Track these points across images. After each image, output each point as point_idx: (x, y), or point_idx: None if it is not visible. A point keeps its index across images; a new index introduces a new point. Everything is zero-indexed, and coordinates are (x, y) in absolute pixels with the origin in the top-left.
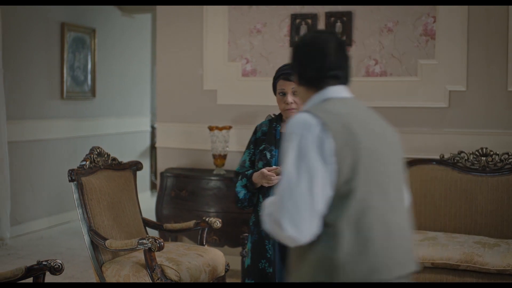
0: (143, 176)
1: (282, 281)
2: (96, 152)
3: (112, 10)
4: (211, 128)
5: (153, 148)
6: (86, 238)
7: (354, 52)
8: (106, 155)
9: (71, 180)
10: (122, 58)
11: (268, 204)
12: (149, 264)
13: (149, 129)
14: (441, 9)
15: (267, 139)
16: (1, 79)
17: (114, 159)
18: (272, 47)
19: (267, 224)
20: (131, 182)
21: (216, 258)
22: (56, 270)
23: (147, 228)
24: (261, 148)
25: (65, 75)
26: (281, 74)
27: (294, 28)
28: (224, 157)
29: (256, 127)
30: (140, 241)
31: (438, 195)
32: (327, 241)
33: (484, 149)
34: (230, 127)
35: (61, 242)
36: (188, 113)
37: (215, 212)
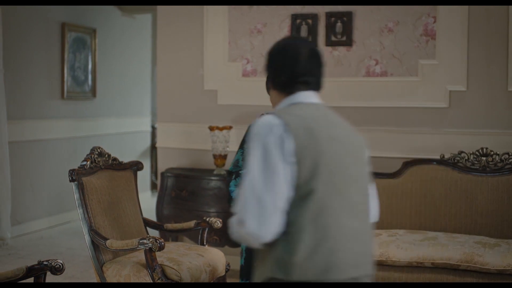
0: (144, 176)
1: None
2: (96, 152)
3: (112, 10)
4: (211, 128)
5: (153, 148)
6: (87, 238)
7: (354, 52)
8: (106, 155)
9: (72, 180)
10: (123, 58)
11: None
12: (150, 264)
13: (149, 129)
14: (441, 9)
15: None
16: (1, 79)
17: (114, 159)
18: None
19: (232, 229)
20: (131, 182)
21: (217, 258)
22: (57, 270)
23: (148, 228)
24: None
25: (65, 75)
26: None
27: (294, 28)
28: (224, 157)
29: (249, 126)
30: (141, 241)
31: (439, 195)
32: (286, 240)
33: (484, 149)
34: (230, 127)
35: (61, 242)
36: (189, 113)
37: (216, 212)
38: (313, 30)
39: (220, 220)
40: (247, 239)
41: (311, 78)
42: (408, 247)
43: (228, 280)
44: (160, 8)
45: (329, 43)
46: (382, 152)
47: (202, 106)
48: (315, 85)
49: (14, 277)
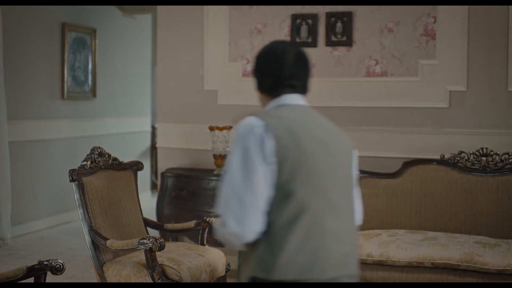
0: (144, 176)
1: None
2: (97, 152)
3: (112, 11)
4: (211, 128)
5: (153, 148)
6: (87, 238)
7: (354, 52)
8: (107, 155)
9: (72, 180)
10: (123, 58)
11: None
12: (150, 264)
13: (149, 129)
14: (442, 9)
15: None
16: (1, 79)
17: (115, 159)
18: None
19: (216, 230)
20: (131, 182)
21: (217, 258)
22: (57, 270)
23: (148, 228)
24: None
25: (65, 75)
26: None
27: (294, 29)
28: (224, 157)
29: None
30: (141, 241)
31: (439, 195)
32: (267, 240)
33: (485, 149)
34: (230, 127)
35: (61, 242)
36: (189, 113)
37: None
38: (313, 30)
39: None
40: (229, 239)
41: (296, 81)
42: (408, 247)
43: (228, 280)
44: (160, 8)
45: (329, 43)
46: (382, 152)
47: (202, 106)
48: (301, 88)
49: (15, 277)
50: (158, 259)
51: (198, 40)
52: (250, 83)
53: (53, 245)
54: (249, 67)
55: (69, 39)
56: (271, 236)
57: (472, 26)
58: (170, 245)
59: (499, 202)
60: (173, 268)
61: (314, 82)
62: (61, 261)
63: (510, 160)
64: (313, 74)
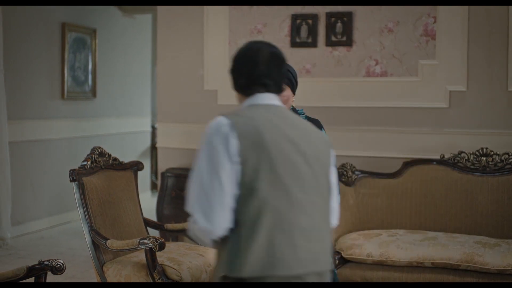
0: (144, 176)
1: None
2: (97, 152)
3: (112, 11)
4: None
5: (153, 148)
6: (87, 238)
7: (354, 53)
8: (107, 155)
9: (72, 180)
10: (123, 59)
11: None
12: (150, 264)
13: (149, 129)
14: (442, 9)
15: None
16: (1, 79)
17: (115, 159)
18: None
19: (189, 227)
20: (132, 182)
21: None
22: (58, 269)
23: (148, 228)
24: None
25: (65, 75)
26: None
27: (294, 29)
28: None
29: None
30: (141, 241)
31: (439, 195)
32: (233, 237)
33: (484, 149)
34: None
35: (61, 242)
36: (189, 113)
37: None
38: (313, 30)
39: None
40: (199, 235)
41: (269, 80)
42: (408, 247)
43: None
44: (160, 8)
45: (329, 43)
46: (382, 152)
47: (202, 106)
48: (274, 87)
49: (15, 277)
50: (158, 259)
51: (198, 40)
52: None
53: (53, 245)
54: None
55: (69, 39)
56: (236, 234)
57: (472, 26)
58: (170, 245)
59: (499, 202)
60: (173, 268)
61: (314, 82)
62: (62, 261)
63: (510, 160)
64: (313, 74)
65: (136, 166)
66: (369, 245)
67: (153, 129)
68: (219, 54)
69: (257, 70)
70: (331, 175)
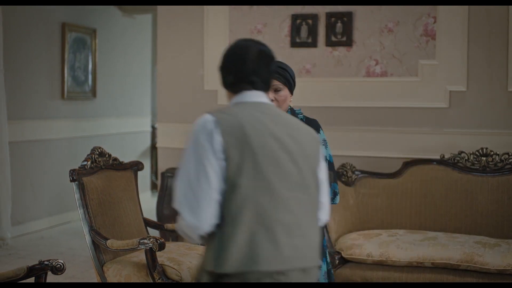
0: (144, 176)
1: None
2: (97, 152)
3: (112, 11)
4: None
5: (153, 148)
6: (87, 238)
7: (354, 53)
8: (107, 155)
9: (72, 180)
10: (123, 59)
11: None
12: (150, 264)
13: (149, 129)
14: (442, 9)
15: None
16: (2, 79)
17: (115, 159)
18: (272, 48)
19: (177, 224)
20: (132, 182)
21: None
22: (58, 269)
23: (148, 228)
24: None
25: (65, 75)
26: None
27: (294, 29)
28: None
29: None
30: (141, 241)
31: (439, 195)
32: (219, 233)
33: (484, 149)
34: None
35: (61, 242)
36: (189, 113)
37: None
38: (313, 30)
39: None
40: (187, 232)
41: (256, 78)
42: (408, 247)
43: None
44: (160, 8)
45: (329, 43)
46: (382, 152)
47: (202, 106)
48: (261, 85)
49: (15, 277)
50: (159, 259)
51: (198, 40)
52: None
53: (53, 245)
54: None
55: (69, 39)
56: (220, 229)
57: (472, 26)
58: (170, 245)
59: (499, 202)
60: (174, 268)
61: (314, 82)
62: (62, 261)
63: (510, 160)
64: (313, 74)
65: (136, 166)
66: (369, 245)
67: (153, 129)
68: (219, 54)
69: (245, 67)
70: (320, 171)
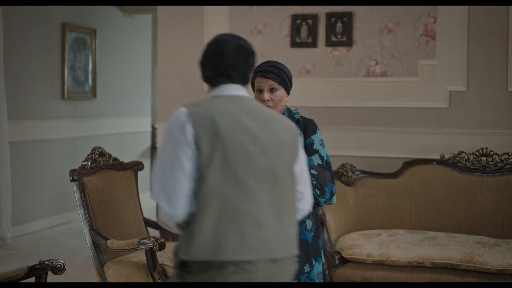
0: (144, 176)
1: None
2: (97, 152)
3: (113, 11)
4: None
5: (153, 148)
6: (88, 238)
7: (354, 53)
8: (107, 155)
9: (73, 180)
10: (123, 59)
11: None
12: (151, 263)
13: (149, 129)
14: (442, 10)
15: None
16: (2, 79)
17: (115, 159)
18: (273, 48)
19: (158, 218)
20: (132, 182)
21: None
22: (58, 269)
23: (148, 228)
24: None
25: (66, 75)
26: (258, 72)
27: (294, 29)
28: None
29: None
30: (142, 241)
31: (439, 195)
32: (191, 222)
33: (484, 149)
34: None
35: (62, 242)
36: None
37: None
38: (313, 31)
39: None
40: (165, 221)
41: (234, 72)
42: (408, 247)
43: None
44: (161, 8)
45: (329, 43)
46: (382, 152)
47: None
48: (240, 79)
49: (15, 276)
50: (159, 258)
51: (198, 40)
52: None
53: (54, 245)
54: None
55: (69, 39)
56: (191, 218)
57: (472, 26)
58: (170, 245)
59: (499, 202)
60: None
61: (314, 82)
62: (62, 261)
63: (510, 160)
64: (313, 74)
65: (136, 166)
66: (369, 245)
67: (153, 129)
68: None
69: (223, 62)
70: (299, 163)
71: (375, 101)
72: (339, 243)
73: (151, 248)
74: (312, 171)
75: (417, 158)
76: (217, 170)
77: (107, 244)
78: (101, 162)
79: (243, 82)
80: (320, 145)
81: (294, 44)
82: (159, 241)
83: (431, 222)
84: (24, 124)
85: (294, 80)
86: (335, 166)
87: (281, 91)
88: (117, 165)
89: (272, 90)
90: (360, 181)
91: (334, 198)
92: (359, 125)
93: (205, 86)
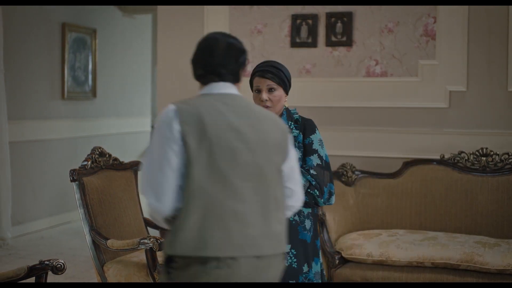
0: None
1: None
2: (97, 152)
3: (113, 11)
4: None
5: None
6: (88, 238)
7: (354, 53)
8: (107, 155)
9: (73, 180)
10: (123, 59)
11: None
12: (151, 263)
13: (149, 129)
14: (442, 10)
15: None
16: (2, 79)
17: (115, 159)
18: (273, 48)
19: (149, 213)
20: (132, 182)
21: None
22: (59, 269)
23: (148, 228)
24: None
25: (66, 75)
26: (257, 71)
27: (294, 29)
28: None
29: None
30: (142, 241)
31: (439, 195)
32: (178, 217)
33: (484, 149)
34: None
35: (62, 242)
36: None
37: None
38: (313, 31)
39: None
40: (154, 215)
41: (224, 70)
42: (408, 247)
43: None
44: (161, 8)
45: (329, 43)
46: (382, 152)
47: None
48: (229, 77)
49: (15, 276)
50: (159, 258)
51: (198, 40)
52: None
53: (54, 245)
54: (249, 67)
55: (69, 39)
56: (178, 213)
57: (472, 26)
58: None
59: (499, 202)
60: None
61: (314, 82)
62: (62, 261)
63: (510, 160)
64: (313, 74)
65: (137, 166)
66: (369, 245)
67: (153, 129)
68: None
69: (213, 60)
70: (289, 161)
71: (375, 101)
72: (339, 243)
73: (151, 248)
74: (311, 171)
75: (417, 158)
76: (203, 167)
77: (107, 244)
78: (101, 162)
79: (234, 80)
80: (319, 145)
81: (294, 44)
82: (159, 241)
83: (431, 222)
84: (24, 124)
85: (294, 80)
86: (335, 166)
87: (279, 91)
88: (117, 165)
89: (270, 90)
90: (360, 181)
91: (333, 198)
92: (359, 125)
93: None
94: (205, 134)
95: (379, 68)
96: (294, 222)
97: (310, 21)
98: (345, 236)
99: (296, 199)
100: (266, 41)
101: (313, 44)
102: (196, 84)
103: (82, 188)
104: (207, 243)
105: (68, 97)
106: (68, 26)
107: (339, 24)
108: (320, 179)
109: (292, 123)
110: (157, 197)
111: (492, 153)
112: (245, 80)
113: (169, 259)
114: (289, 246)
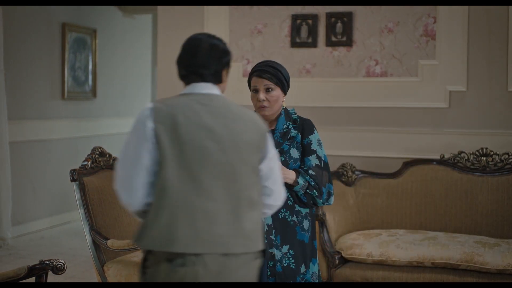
0: None
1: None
2: (97, 152)
3: (113, 11)
4: None
5: None
6: (88, 238)
7: (354, 53)
8: (107, 155)
9: (73, 180)
10: (123, 59)
11: None
12: None
13: None
14: (442, 10)
15: None
16: (2, 79)
17: (115, 159)
18: (273, 48)
19: None
20: None
21: None
22: (59, 269)
23: None
24: None
25: (66, 75)
26: (255, 71)
27: (295, 29)
28: None
29: None
30: None
31: (439, 195)
32: (147, 212)
33: (484, 149)
34: None
35: (62, 242)
36: None
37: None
38: (313, 31)
39: None
40: (125, 208)
41: (206, 71)
42: (408, 247)
43: None
44: (161, 8)
45: (329, 43)
46: (382, 152)
47: None
48: (211, 77)
49: (16, 276)
50: None
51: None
52: None
53: (54, 245)
54: (249, 67)
55: (69, 39)
56: (150, 210)
57: (472, 26)
58: None
59: (499, 202)
60: None
61: (314, 82)
62: (63, 261)
63: (510, 160)
64: (313, 74)
65: None
66: (369, 245)
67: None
68: None
69: (195, 61)
70: (268, 161)
71: (375, 101)
72: (339, 243)
73: None
74: (310, 172)
75: (417, 158)
76: (174, 165)
77: (108, 244)
78: (101, 162)
79: (215, 81)
80: (318, 145)
81: (294, 44)
82: None
83: (431, 222)
84: (24, 124)
85: (294, 80)
86: (335, 166)
87: (277, 91)
88: None
89: (267, 90)
90: (360, 181)
91: (332, 199)
92: (359, 125)
93: None
94: (177, 133)
95: (379, 68)
96: (292, 222)
97: (310, 21)
98: (345, 236)
99: (275, 198)
100: (266, 41)
101: (313, 44)
102: None
103: (82, 188)
104: (174, 239)
105: (68, 97)
106: (68, 26)
107: (339, 24)
108: (319, 179)
109: (291, 123)
110: (128, 193)
111: (492, 153)
112: (244, 80)
113: (143, 259)
114: (287, 246)
